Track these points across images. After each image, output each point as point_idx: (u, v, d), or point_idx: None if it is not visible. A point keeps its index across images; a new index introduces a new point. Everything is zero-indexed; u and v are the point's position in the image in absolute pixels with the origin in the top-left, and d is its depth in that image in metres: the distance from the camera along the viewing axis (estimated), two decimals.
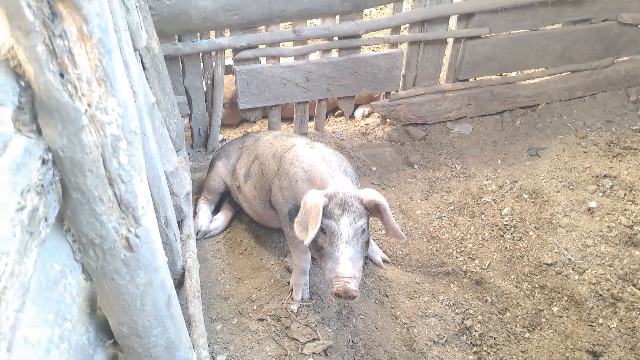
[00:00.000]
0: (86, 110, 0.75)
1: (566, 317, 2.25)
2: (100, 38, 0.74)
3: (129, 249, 0.88)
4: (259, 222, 2.78)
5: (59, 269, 0.78)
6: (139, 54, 2.32)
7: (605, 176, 2.99)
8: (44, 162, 0.75)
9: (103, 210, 0.83)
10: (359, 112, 3.97)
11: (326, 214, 1.88)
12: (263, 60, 3.28)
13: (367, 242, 2.00)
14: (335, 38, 3.25)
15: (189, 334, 1.59)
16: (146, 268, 0.92)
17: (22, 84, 0.72)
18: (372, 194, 1.95)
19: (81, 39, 0.72)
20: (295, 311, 2.27)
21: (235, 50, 3.09)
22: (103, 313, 1.02)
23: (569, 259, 2.48)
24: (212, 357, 2.02)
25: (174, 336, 1.05)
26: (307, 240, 1.82)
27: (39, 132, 0.75)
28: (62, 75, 0.71)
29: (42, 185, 0.74)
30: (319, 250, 1.95)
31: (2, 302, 0.55)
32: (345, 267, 1.81)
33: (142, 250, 0.91)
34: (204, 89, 3.26)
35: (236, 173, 2.76)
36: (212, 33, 3.02)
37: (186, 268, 2.08)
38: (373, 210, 1.99)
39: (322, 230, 1.89)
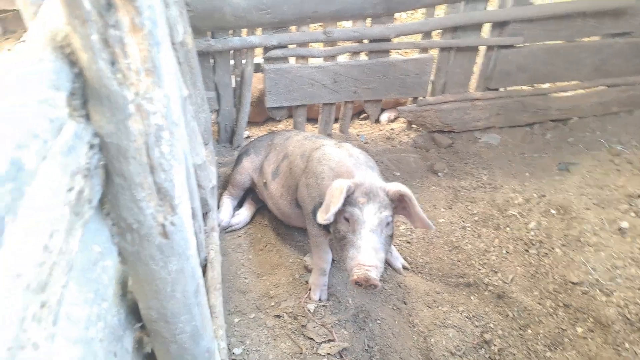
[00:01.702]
0: (133, 99, 0.77)
1: (590, 339, 2.18)
2: (151, 30, 0.76)
3: (164, 236, 0.90)
4: (283, 220, 2.80)
5: (98, 250, 0.81)
6: (174, 48, 2.37)
7: (639, 196, 2.90)
8: (91, 146, 0.77)
9: (143, 196, 0.85)
10: (384, 116, 3.96)
11: (351, 201, 1.87)
12: (292, 60, 3.30)
13: (391, 237, 1.96)
14: (366, 41, 3.25)
15: None
16: (179, 256, 0.94)
17: (76, 70, 0.75)
18: (397, 186, 1.94)
19: (133, 29, 0.74)
20: (312, 311, 2.28)
21: (266, 49, 3.13)
22: (133, 297, 1.04)
23: (597, 279, 2.41)
24: (229, 349, 2.05)
25: (199, 324, 1.08)
26: (329, 215, 1.81)
27: (88, 117, 0.78)
28: (113, 64, 0.74)
29: (89, 169, 0.76)
30: (341, 239, 1.91)
31: (51, 278, 0.58)
32: (368, 255, 1.77)
33: (176, 238, 0.93)
34: (233, 85, 3.31)
35: (264, 170, 2.78)
36: (244, 31, 3.06)
37: (209, 260, 2.11)
38: (398, 204, 1.97)
39: (345, 218, 1.88)
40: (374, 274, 1.74)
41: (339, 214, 1.90)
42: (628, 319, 2.20)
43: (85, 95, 0.76)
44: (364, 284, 1.76)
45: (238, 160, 3.00)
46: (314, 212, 2.18)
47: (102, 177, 0.84)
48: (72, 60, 0.73)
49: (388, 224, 1.90)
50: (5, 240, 0.46)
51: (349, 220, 1.88)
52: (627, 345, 2.11)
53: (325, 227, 2.17)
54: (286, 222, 2.78)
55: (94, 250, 0.80)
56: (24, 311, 0.48)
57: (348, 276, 1.87)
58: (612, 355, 2.09)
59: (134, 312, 1.05)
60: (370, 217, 1.85)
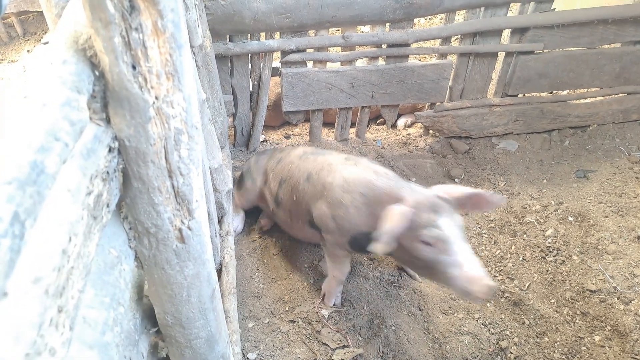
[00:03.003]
0: (154, 103, 0.77)
1: (608, 347, 2.14)
2: (173, 33, 0.76)
3: (181, 240, 0.90)
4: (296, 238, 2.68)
5: (115, 254, 0.81)
6: (193, 52, 2.38)
7: None
8: (110, 149, 0.77)
9: (160, 200, 0.85)
10: (401, 122, 3.93)
11: (420, 225, 1.70)
12: (309, 64, 3.30)
13: None
14: (384, 46, 3.23)
15: None
16: (195, 260, 0.94)
17: (97, 73, 0.75)
18: (450, 188, 1.84)
19: (155, 33, 0.74)
20: (326, 316, 2.26)
21: (284, 53, 3.13)
22: (149, 301, 1.04)
23: (615, 288, 2.36)
24: (243, 354, 2.04)
25: (214, 330, 1.07)
26: (388, 243, 1.65)
27: (107, 120, 0.78)
28: (134, 67, 0.74)
29: (107, 172, 0.76)
30: (431, 263, 1.73)
31: (69, 282, 0.57)
32: (475, 267, 1.65)
33: (193, 243, 0.92)
34: (250, 89, 3.32)
35: (265, 198, 2.62)
36: (262, 35, 3.07)
37: (223, 264, 2.10)
38: (458, 204, 1.85)
39: (425, 242, 1.71)
40: (490, 281, 1.63)
41: (410, 239, 1.74)
42: None
43: (105, 98, 0.75)
44: (490, 297, 1.68)
45: (241, 182, 2.83)
46: (352, 244, 2.06)
47: (121, 181, 0.84)
48: (93, 63, 0.73)
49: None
50: (25, 245, 0.46)
51: (432, 244, 1.71)
52: None
53: (353, 247, 2.07)
54: (300, 239, 2.68)
55: (111, 254, 0.80)
56: (42, 316, 0.48)
57: (462, 294, 1.71)
58: None
59: (149, 317, 1.05)
60: (452, 230, 1.71)
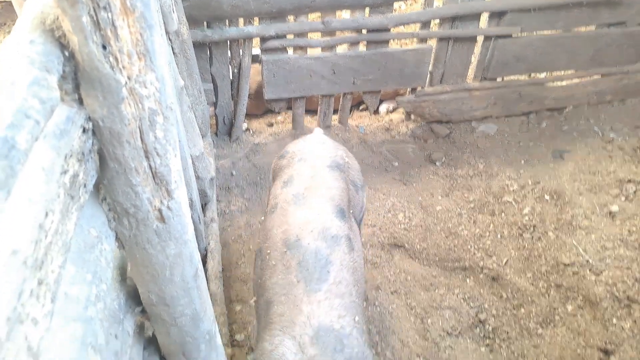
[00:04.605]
0: (126, 83, 0.78)
1: (580, 315, 2.25)
2: (142, 12, 0.76)
3: (161, 220, 0.91)
4: None
5: (95, 234, 0.82)
6: (169, 38, 2.37)
7: (629, 181, 2.94)
8: (84, 130, 0.78)
9: (138, 181, 0.86)
10: (383, 108, 3.96)
11: None
12: (290, 50, 3.30)
13: None
14: (364, 31, 3.24)
15: None
16: (176, 240, 0.95)
17: (66, 54, 0.75)
18: None
19: (124, 12, 0.75)
20: None
21: (263, 40, 3.12)
22: (132, 282, 1.06)
23: (587, 260, 2.46)
24: (231, 335, 2.07)
25: (199, 308, 1.09)
26: None
27: (80, 101, 0.78)
28: (104, 47, 0.74)
29: (83, 153, 0.77)
30: None
31: (48, 257, 0.59)
32: None
33: (174, 223, 0.94)
34: (230, 77, 3.30)
35: None
36: (241, 21, 3.05)
37: (209, 250, 2.12)
38: None
39: None
40: None
41: None
42: (616, 296, 2.26)
43: (77, 78, 0.76)
44: None
45: None
46: None
47: (97, 162, 0.85)
48: (62, 44, 0.74)
49: None
50: (1, 217, 0.47)
51: None
52: (614, 320, 2.18)
53: None
54: None
55: (91, 234, 0.81)
56: (21, 285, 0.49)
57: None
58: (600, 330, 2.15)
59: (133, 297, 1.07)
60: None
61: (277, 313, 1.31)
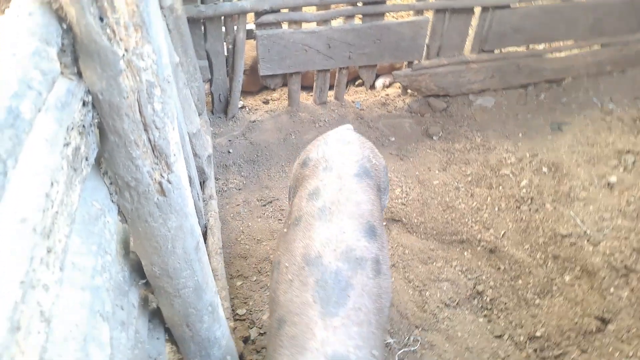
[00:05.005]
0: (124, 55, 0.78)
1: (577, 285, 2.29)
2: None
3: (161, 193, 0.93)
4: None
5: (98, 207, 0.83)
6: (163, 14, 2.33)
7: (628, 152, 2.95)
8: (84, 103, 0.78)
9: (138, 154, 0.87)
10: (379, 82, 3.94)
11: None
12: (285, 25, 3.25)
13: None
14: (360, 4, 3.20)
15: None
16: (177, 213, 0.97)
17: (64, 26, 0.75)
18: None
19: None
20: None
21: (258, 14, 3.07)
22: (136, 256, 1.08)
23: (585, 231, 2.49)
24: (233, 310, 2.11)
25: (201, 279, 1.11)
26: None
27: (79, 75, 0.79)
28: (101, 19, 0.74)
29: (83, 126, 0.78)
30: None
31: (55, 226, 0.60)
32: None
33: (174, 196, 0.95)
34: (225, 53, 3.27)
35: None
36: None
37: (208, 226, 2.14)
38: None
39: None
40: None
41: None
42: (613, 266, 2.29)
43: (75, 51, 0.76)
44: None
45: None
46: None
47: (97, 136, 0.85)
48: (60, 16, 0.74)
49: None
50: (9, 185, 0.48)
51: None
52: (612, 290, 2.21)
53: None
54: None
55: (95, 206, 0.83)
56: (32, 251, 0.51)
57: None
58: (597, 299, 2.19)
59: (137, 270, 1.09)
60: None
61: (289, 335, 1.21)
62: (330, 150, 1.65)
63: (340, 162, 1.59)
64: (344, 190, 1.49)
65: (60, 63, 0.75)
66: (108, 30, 0.75)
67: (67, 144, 0.69)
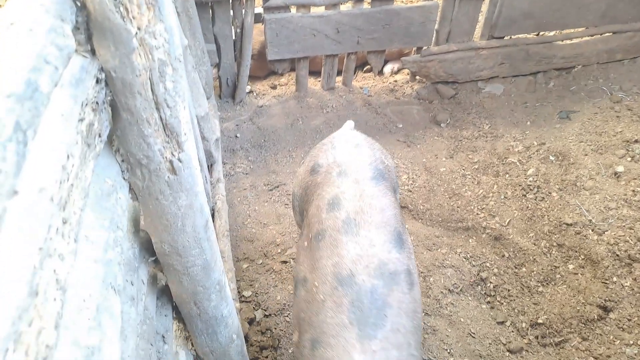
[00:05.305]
0: (136, 33, 0.78)
1: (581, 274, 2.30)
2: None
3: (172, 172, 0.94)
4: None
5: (110, 183, 0.85)
6: None
7: (636, 141, 2.93)
8: (97, 81, 0.80)
9: (150, 132, 0.88)
10: (387, 68, 3.91)
11: None
12: (293, 9, 3.24)
13: None
14: None
15: None
16: (187, 191, 0.98)
17: (78, 3, 0.76)
18: None
19: None
20: None
21: None
22: (146, 234, 1.10)
23: (590, 220, 2.49)
24: (239, 291, 2.14)
25: (209, 258, 1.13)
26: None
27: (93, 52, 0.80)
28: None
29: (97, 103, 0.79)
30: None
31: (70, 198, 0.62)
32: None
33: (184, 174, 0.96)
34: (233, 37, 3.26)
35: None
36: None
37: (216, 209, 2.17)
38: None
39: None
40: None
41: None
42: (617, 255, 2.30)
43: (89, 29, 0.77)
44: None
45: None
46: None
47: (110, 113, 0.87)
48: None
49: None
50: (28, 153, 0.50)
51: None
52: (615, 279, 2.22)
53: None
54: None
55: (107, 182, 0.84)
56: (49, 220, 0.52)
57: None
58: (600, 288, 2.20)
59: (147, 248, 1.11)
60: None
61: (324, 357, 1.17)
62: (341, 154, 1.59)
63: (354, 166, 1.53)
64: (364, 197, 1.43)
65: (75, 40, 0.76)
66: (121, 8, 0.75)
67: (81, 120, 0.71)
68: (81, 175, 0.69)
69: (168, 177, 0.95)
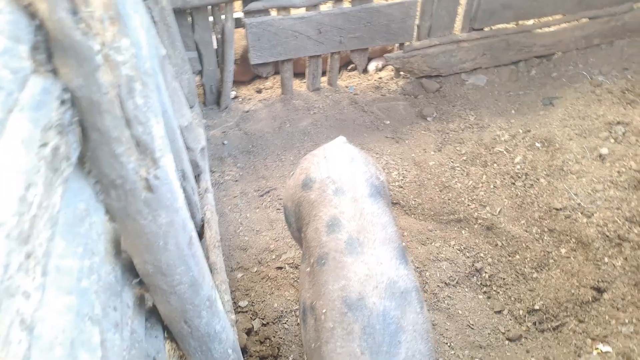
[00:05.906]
0: (100, 50, 0.75)
1: (573, 257, 2.31)
2: None
3: (149, 190, 0.91)
4: None
5: (83, 207, 0.82)
6: (147, 6, 2.29)
7: (618, 123, 2.96)
8: (62, 102, 0.76)
9: (122, 151, 0.85)
10: (372, 66, 3.90)
11: None
12: (273, 12, 3.21)
13: None
14: None
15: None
16: (167, 209, 0.95)
17: (36, 23, 0.72)
18: None
19: None
20: None
21: (245, 2, 3.03)
22: (127, 255, 1.06)
23: (578, 204, 2.50)
24: (235, 302, 2.11)
25: (197, 274, 1.10)
26: None
27: (55, 72, 0.76)
28: (74, 13, 0.71)
29: (62, 125, 0.75)
30: None
31: (34, 230, 0.58)
32: None
33: (162, 192, 0.93)
34: (215, 44, 3.22)
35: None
36: None
37: (205, 220, 2.13)
38: None
39: None
40: None
41: None
42: (607, 236, 2.31)
43: (49, 48, 0.73)
44: None
45: None
46: None
47: (79, 134, 0.83)
48: (31, 12, 0.71)
49: None
50: None
51: None
52: (606, 259, 2.24)
53: None
54: None
55: (79, 207, 0.81)
56: (7, 258, 0.49)
57: None
58: (592, 269, 2.21)
59: (130, 270, 1.07)
60: None
61: None
62: (335, 169, 1.51)
63: (350, 183, 1.46)
64: (365, 215, 1.36)
65: (34, 61, 0.72)
66: (82, 25, 0.72)
67: (44, 144, 0.67)
68: (47, 203, 0.65)
69: (145, 195, 0.92)
